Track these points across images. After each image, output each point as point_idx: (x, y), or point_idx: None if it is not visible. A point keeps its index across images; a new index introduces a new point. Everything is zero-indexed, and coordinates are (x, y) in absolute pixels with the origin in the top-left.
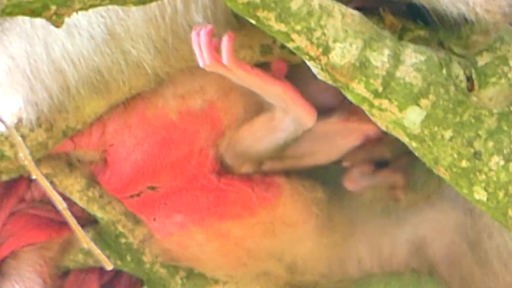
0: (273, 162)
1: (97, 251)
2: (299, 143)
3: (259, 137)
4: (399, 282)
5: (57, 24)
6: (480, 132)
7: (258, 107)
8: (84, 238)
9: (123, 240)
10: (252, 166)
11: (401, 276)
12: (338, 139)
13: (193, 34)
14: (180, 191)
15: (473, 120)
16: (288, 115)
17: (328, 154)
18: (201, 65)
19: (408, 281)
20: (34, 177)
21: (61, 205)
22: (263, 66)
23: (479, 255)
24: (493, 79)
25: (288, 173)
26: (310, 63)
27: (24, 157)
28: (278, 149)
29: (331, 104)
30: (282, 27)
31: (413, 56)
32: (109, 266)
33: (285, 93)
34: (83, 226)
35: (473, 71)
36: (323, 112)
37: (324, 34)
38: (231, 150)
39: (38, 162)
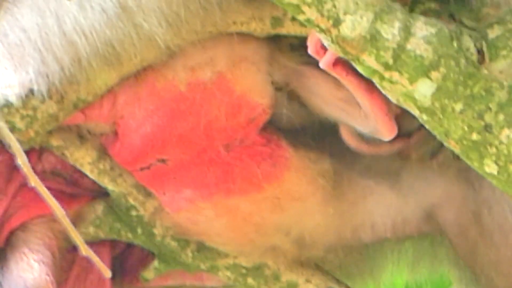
0: None
1: (95, 258)
2: None
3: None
4: (412, 245)
5: None
6: (490, 105)
7: (272, 77)
8: (83, 246)
9: (134, 213)
10: None
11: (415, 239)
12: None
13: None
14: (189, 165)
15: (483, 93)
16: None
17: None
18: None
19: (421, 243)
20: (33, 184)
21: (59, 212)
22: None
23: (481, 227)
24: (504, 52)
25: (295, 145)
26: (320, 35)
27: (16, 151)
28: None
29: None
30: (293, 0)
31: (423, 29)
32: (107, 275)
33: (371, 107)
34: (94, 198)
35: (483, 43)
36: None
37: (334, 6)
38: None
39: (49, 133)
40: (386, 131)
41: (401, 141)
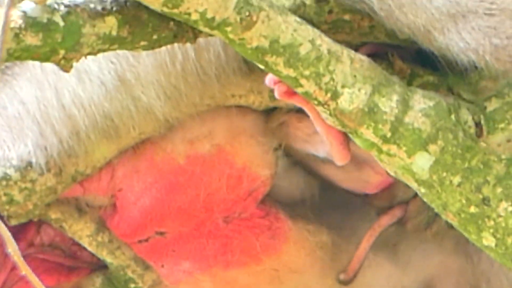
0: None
1: None
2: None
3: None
4: None
5: (66, 69)
6: (488, 178)
7: (269, 145)
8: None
9: (132, 286)
10: None
11: None
12: (363, 167)
13: None
14: (188, 237)
15: (481, 166)
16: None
17: (344, 181)
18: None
19: None
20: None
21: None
22: None
23: None
24: (502, 125)
25: (293, 218)
26: (318, 108)
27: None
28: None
29: None
30: (291, 72)
31: (422, 102)
32: None
33: (327, 135)
34: (92, 270)
35: (482, 116)
36: None
37: (332, 79)
38: None
39: (47, 206)
40: (339, 158)
41: (399, 209)
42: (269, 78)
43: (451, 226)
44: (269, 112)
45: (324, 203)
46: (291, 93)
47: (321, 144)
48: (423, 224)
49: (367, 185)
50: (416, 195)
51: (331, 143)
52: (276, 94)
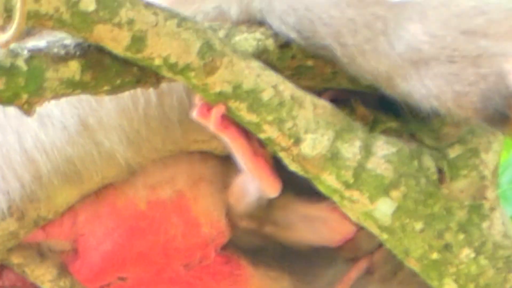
0: (259, 223)
1: None
2: (286, 214)
3: (236, 197)
4: None
5: (29, 113)
6: (451, 224)
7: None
8: None
9: None
10: (248, 223)
11: None
12: (319, 226)
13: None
14: (149, 283)
15: (444, 212)
16: (253, 184)
17: (306, 236)
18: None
19: None
20: None
21: None
22: None
23: None
24: (465, 172)
25: (255, 264)
26: (281, 154)
27: None
28: (256, 210)
29: None
30: (254, 118)
31: (384, 148)
32: None
33: (255, 169)
34: None
35: (444, 163)
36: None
37: (295, 125)
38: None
39: (9, 251)
40: (271, 190)
41: (365, 260)
42: (199, 110)
43: (415, 274)
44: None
45: (286, 249)
46: (226, 125)
47: (251, 183)
48: (389, 273)
49: (329, 241)
50: (381, 245)
51: (260, 177)
52: (211, 127)
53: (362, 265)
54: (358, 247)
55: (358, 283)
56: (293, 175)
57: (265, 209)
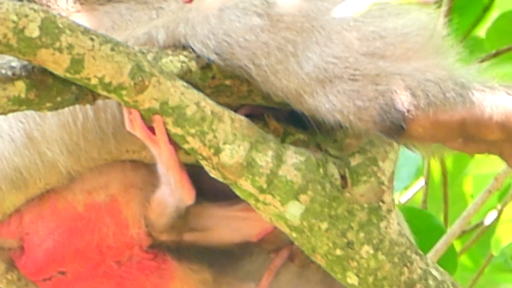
0: (178, 233)
1: None
2: (204, 219)
3: (157, 212)
4: None
5: None
6: (352, 224)
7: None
8: None
9: None
10: (168, 235)
11: None
12: (238, 225)
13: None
14: (86, 277)
15: (346, 214)
16: (171, 194)
17: (226, 235)
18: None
19: None
20: None
21: None
22: None
23: None
24: (364, 178)
25: (179, 259)
26: (202, 163)
27: None
28: (175, 220)
29: None
30: (178, 131)
31: (293, 157)
32: None
33: (171, 172)
34: None
35: (346, 170)
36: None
37: (215, 136)
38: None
39: None
40: (187, 196)
41: (286, 250)
42: (129, 121)
43: None
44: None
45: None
46: (153, 135)
47: (170, 196)
48: (307, 259)
49: (248, 236)
50: None
51: (181, 185)
52: (127, 126)
53: (284, 253)
54: (279, 239)
55: (281, 269)
56: (206, 184)
57: (183, 218)
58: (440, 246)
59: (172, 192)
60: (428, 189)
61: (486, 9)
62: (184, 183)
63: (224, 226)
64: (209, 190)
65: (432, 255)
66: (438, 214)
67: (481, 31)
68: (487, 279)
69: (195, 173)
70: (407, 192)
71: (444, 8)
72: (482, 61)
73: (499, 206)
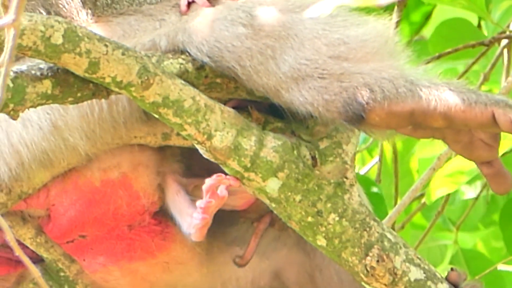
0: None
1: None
2: (200, 192)
3: None
4: None
5: (14, 118)
6: (321, 196)
7: (162, 174)
8: (36, 273)
9: (62, 274)
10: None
11: None
12: (229, 197)
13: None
14: (102, 239)
15: (316, 188)
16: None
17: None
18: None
19: None
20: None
21: (32, 267)
22: None
23: (315, 285)
24: (331, 158)
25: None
26: (197, 146)
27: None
28: None
29: None
30: (178, 120)
31: (273, 141)
32: (36, 273)
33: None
34: (33, 263)
35: (316, 152)
36: None
37: (208, 125)
38: None
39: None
40: (196, 236)
41: (267, 216)
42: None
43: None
44: (163, 147)
45: None
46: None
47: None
48: (285, 224)
49: (235, 206)
50: None
51: (197, 224)
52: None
53: (266, 219)
54: (260, 209)
55: (264, 233)
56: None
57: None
58: (393, 214)
59: (187, 225)
60: (382, 166)
61: (428, 17)
62: (203, 229)
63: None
64: (202, 168)
65: (386, 221)
66: (390, 186)
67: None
68: (430, 237)
69: (189, 156)
70: (365, 167)
71: (395, 18)
72: (428, 62)
73: (434, 166)
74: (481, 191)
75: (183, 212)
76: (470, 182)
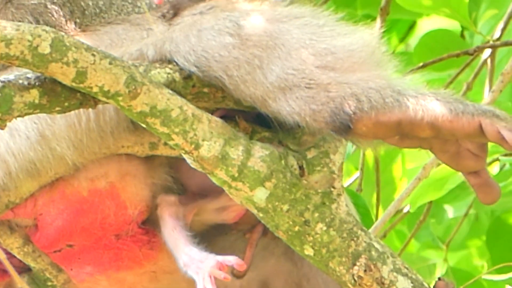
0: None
1: (11, 268)
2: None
3: None
4: None
5: (1, 127)
6: (309, 206)
7: (149, 185)
8: (20, 282)
9: (49, 283)
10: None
11: None
12: (221, 212)
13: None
14: (90, 249)
15: (303, 197)
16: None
17: (212, 221)
18: None
19: None
20: None
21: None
22: None
23: None
24: (318, 168)
25: None
26: (185, 156)
27: None
28: None
29: None
30: (165, 130)
31: (260, 151)
32: (20, 283)
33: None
34: (20, 273)
35: (304, 162)
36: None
37: (195, 134)
38: None
39: None
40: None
41: (260, 226)
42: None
43: None
44: (150, 157)
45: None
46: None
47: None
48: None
49: (227, 220)
50: None
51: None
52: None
53: (259, 228)
54: (251, 219)
55: (240, 246)
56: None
57: None
58: (378, 223)
59: (184, 263)
60: (363, 175)
61: (411, 27)
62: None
63: (213, 215)
64: (188, 178)
65: (372, 231)
66: (372, 195)
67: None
68: (417, 256)
69: (177, 166)
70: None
71: (381, 28)
72: (413, 72)
73: (419, 176)
74: (469, 208)
75: (179, 249)
76: (454, 201)
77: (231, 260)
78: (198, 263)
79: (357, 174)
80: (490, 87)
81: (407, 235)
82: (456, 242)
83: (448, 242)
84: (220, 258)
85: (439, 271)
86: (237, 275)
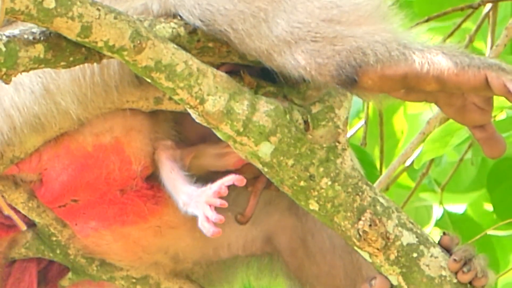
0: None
1: (15, 216)
2: (200, 161)
3: None
4: (257, 261)
5: (6, 82)
6: (314, 161)
7: (154, 140)
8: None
9: (54, 238)
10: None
11: (258, 256)
12: (223, 158)
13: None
14: (94, 204)
15: (308, 152)
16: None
17: (210, 166)
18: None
19: (263, 259)
20: None
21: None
22: None
23: (307, 249)
24: (323, 123)
25: None
26: (190, 111)
27: None
28: None
29: None
30: (170, 84)
31: (265, 106)
32: (23, 227)
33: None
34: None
35: (308, 116)
36: None
37: (200, 89)
38: None
39: None
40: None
41: (264, 177)
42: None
43: None
44: (154, 112)
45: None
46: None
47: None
48: None
49: (228, 166)
50: None
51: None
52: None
53: (263, 179)
54: (254, 170)
55: (244, 202)
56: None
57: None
58: (382, 178)
59: (183, 202)
60: (367, 128)
61: None
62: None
63: (214, 160)
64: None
65: (376, 185)
66: (375, 148)
67: None
68: (416, 197)
69: (181, 120)
70: (350, 129)
71: None
72: (417, 25)
73: (423, 131)
74: (465, 153)
75: (178, 189)
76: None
77: (230, 179)
78: (196, 198)
79: (359, 124)
80: (492, 41)
81: (409, 184)
82: (461, 186)
83: (443, 185)
84: (217, 185)
85: (435, 215)
86: (240, 220)
